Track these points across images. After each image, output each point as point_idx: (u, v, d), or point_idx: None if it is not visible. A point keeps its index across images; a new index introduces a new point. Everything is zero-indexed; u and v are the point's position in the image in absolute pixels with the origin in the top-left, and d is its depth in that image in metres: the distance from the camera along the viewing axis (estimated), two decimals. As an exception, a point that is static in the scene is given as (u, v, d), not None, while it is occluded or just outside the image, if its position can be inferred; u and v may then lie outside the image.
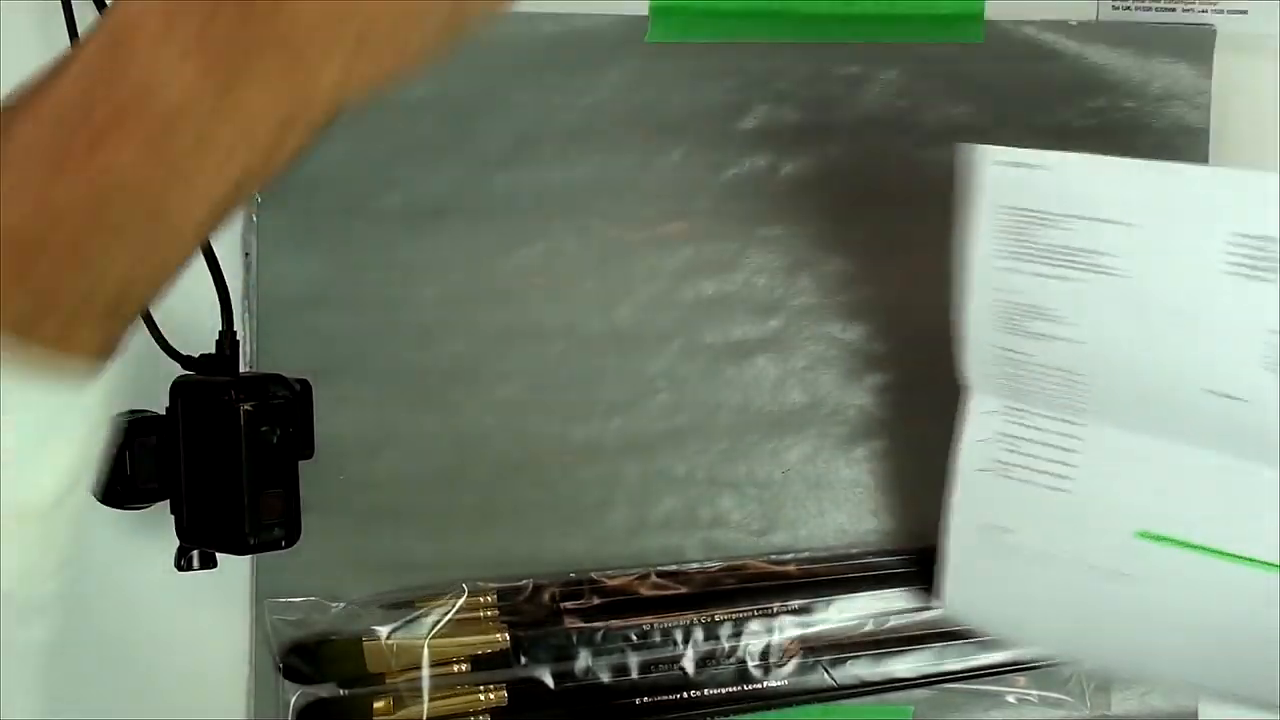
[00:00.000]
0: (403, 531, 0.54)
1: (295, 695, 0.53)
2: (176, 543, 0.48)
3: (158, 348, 0.48)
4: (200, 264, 0.48)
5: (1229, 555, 0.48)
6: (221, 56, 0.30)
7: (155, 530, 0.50)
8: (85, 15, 0.51)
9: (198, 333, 0.48)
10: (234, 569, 0.53)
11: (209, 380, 0.47)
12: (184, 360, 0.48)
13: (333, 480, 0.53)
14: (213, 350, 0.48)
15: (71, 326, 0.32)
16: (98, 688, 0.54)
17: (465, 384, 0.54)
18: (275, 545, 0.47)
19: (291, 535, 0.48)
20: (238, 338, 0.48)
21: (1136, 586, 0.49)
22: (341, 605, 0.53)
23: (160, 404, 0.48)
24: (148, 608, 0.54)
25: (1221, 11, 0.54)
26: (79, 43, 0.31)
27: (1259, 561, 0.48)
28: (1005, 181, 0.44)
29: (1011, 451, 0.50)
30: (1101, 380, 0.47)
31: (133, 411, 0.49)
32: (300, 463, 0.49)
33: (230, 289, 0.48)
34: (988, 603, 0.52)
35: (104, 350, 0.33)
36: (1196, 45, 0.54)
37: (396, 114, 0.54)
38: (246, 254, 0.54)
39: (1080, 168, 0.44)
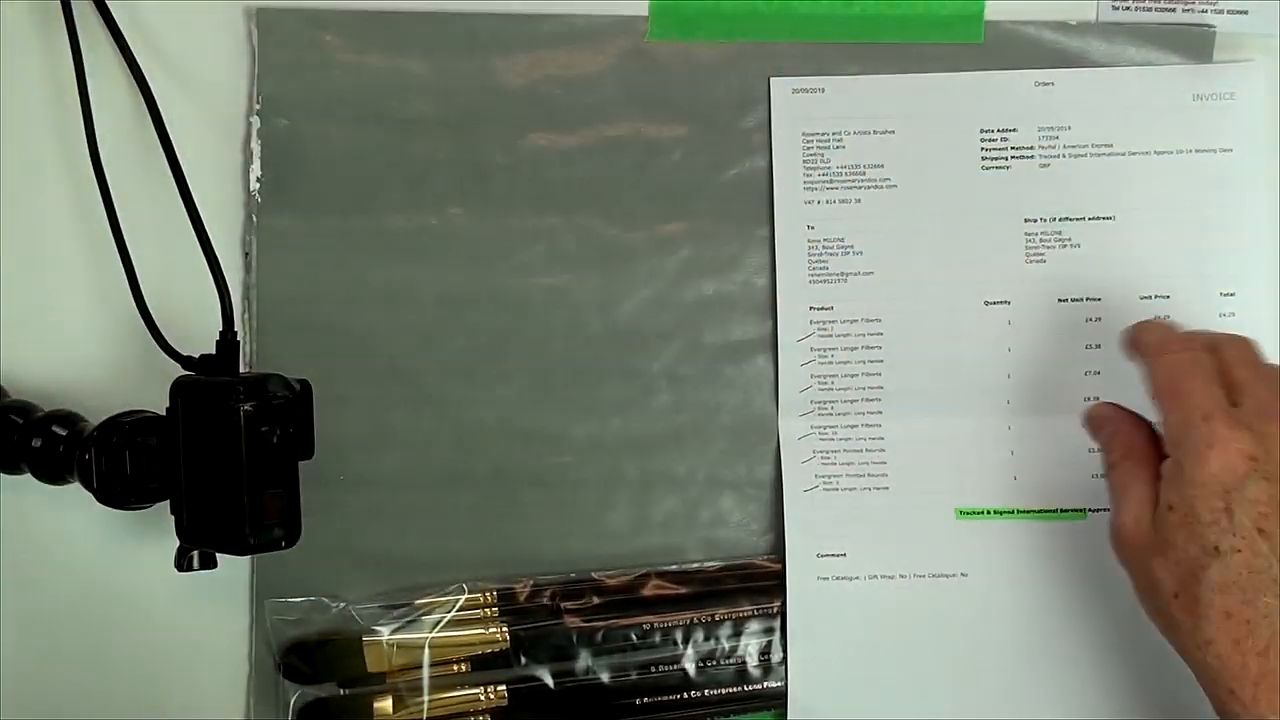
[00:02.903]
0: (403, 531, 0.54)
1: (295, 695, 0.53)
2: (176, 543, 0.48)
3: (158, 348, 0.48)
4: (200, 264, 0.48)
5: (1036, 514, 0.53)
6: None
7: (155, 530, 0.50)
8: (85, 15, 0.51)
9: (198, 333, 0.48)
10: (234, 569, 0.53)
11: (209, 380, 0.47)
12: (184, 360, 0.48)
13: (333, 480, 0.53)
14: (213, 350, 0.48)
15: None
16: (98, 688, 0.54)
17: (465, 384, 0.54)
18: (275, 545, 0.47)
19: (291, 535, 0.48)
20: (238, 338, 0.48)
21: (970, 583, 0.52)
22: (341, 605, 0.53)
23: (160, 404, 0.48)
24: (148, 608, 0.54)
25: (1221, 11, 0.54)
26: None
27: (1064, 512, 0.53)
28: (799, 107, 0.53)
29: (829, 464, 0.53)
30: (896, 326, 0.53)
31: (133, 411, 0.49)
32: (300, 463, 0.48)
33: (230, 289, 0.48)
34: (831, 652, 0.53)
35: None
36: (1196, 45, 0.54)
37: (397, 115, 0.54)
38: (246, 254, 0.54)
39: (847, 87, 0.53)
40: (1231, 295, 0.53)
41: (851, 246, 0.53)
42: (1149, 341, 0.47)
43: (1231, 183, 0.53)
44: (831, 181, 0.53)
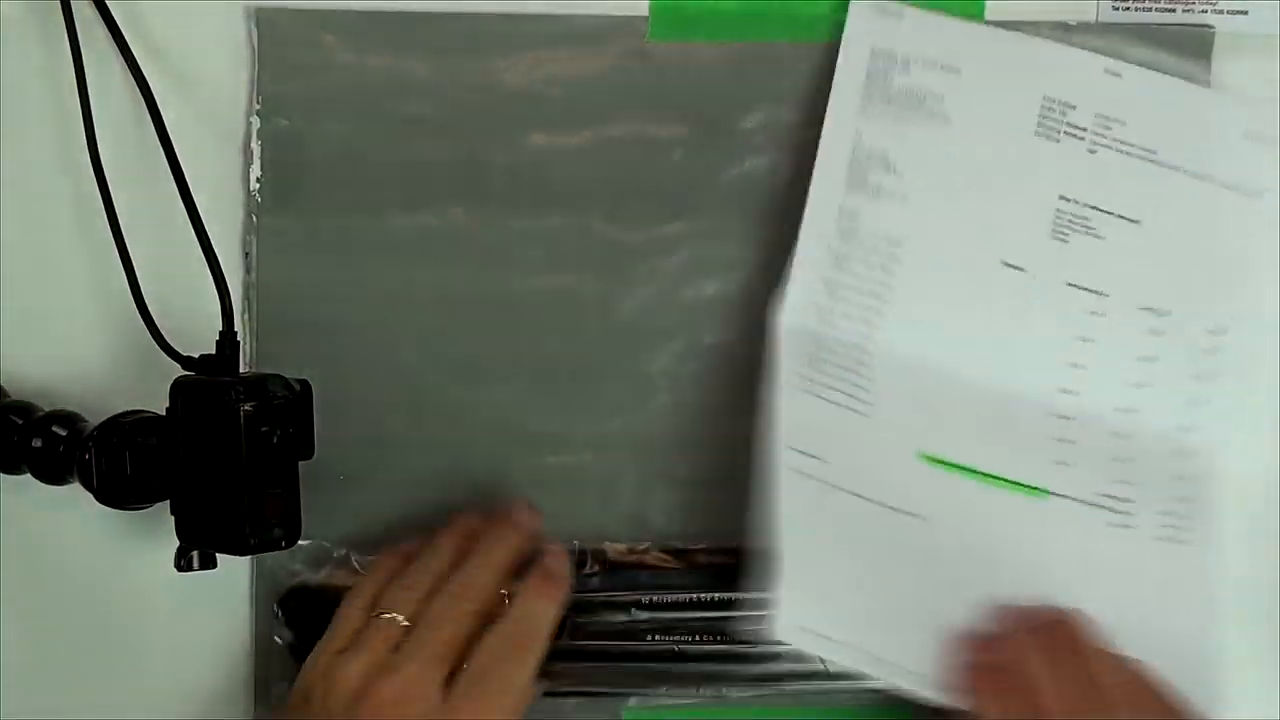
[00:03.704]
0: (403, 531, 0.54)
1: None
2: (176, 543, 0.48)
3: (158, 348, 0.48)
4: (200, 264, 0.48)
5: (1000, 480, 0.53)
6: None
7: (155, 530, 0.50)
8: (85, 15, 0.52)
9: (198, 333, 0.48)
10: (234, 569, 0.53)
11: (209, 380, 0.47)
12: (184, 360, 0.48)
13: (333, 480, 0.53)
14: (213, 350, 0.48)
15: None
16: (98, 688, 0.54)
17: (465, 384, 0.54)
18: (275, 545, 0.47)
19: (291, 535, 0.48)
20: (238, 338, 0.48)
21: (928, 528, 0.53)
22: (343, 552, 0.53)
23: (160, 404, 0.48)
24: (148, 608, 0.54)
25: (1221, 11, 0.54)
26: None
27: (1026, 486, 0.53)
28: (873, 28, 0.53)
29: (816, 369, 0.53)
30: (914, 255, 0.53)
31: (133, 411, 0.49)
32: (300, 463, 0.49)
33: (230, 289, 0.48)
34: (802, 556, 0.53)
35: None
36: (1196, 45, 0.54)
37: (397, 115, 0.54)
38: (246, 254, 0.54)
39: (923, 20, 0.53)
40: (1223, 334, 0.53)
41: (893, 165, 0.53)
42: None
43: (1259, 227, 0.53)
44: (890, 99, 0.53)
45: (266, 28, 0.53)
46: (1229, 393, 0.54)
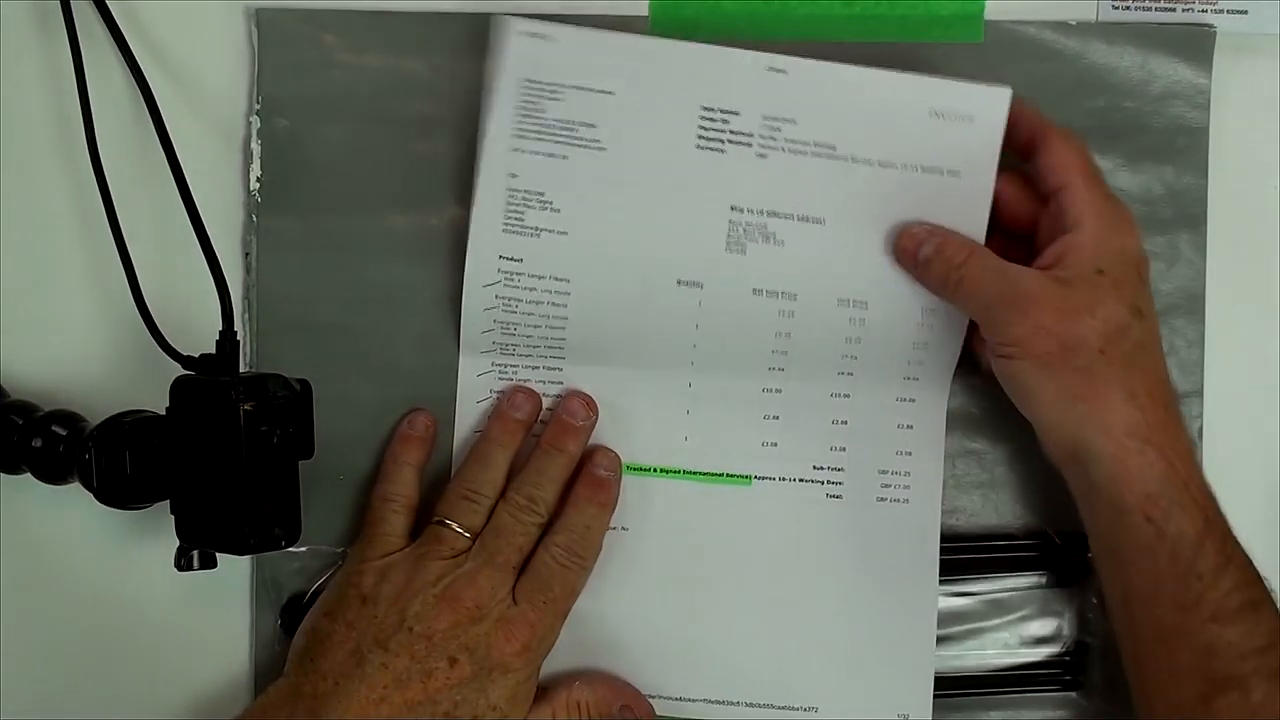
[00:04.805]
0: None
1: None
2: (176, 543, 0.48)
3: (158, 348, 0.48)
4: (200, 264, 0.48)
5: (703, 476, 0.53)
6: None
7: (155, 530, 0.50)
8: (85, 15, 0.52)
9: (198, 333, 0.48)
10: (234, 569, 0.53)
11: (209, 380, 0.47)
12: (184, 360, 0.48)
13: (333, 480, 0.53)
14: (213, 350, 0.48)
15: None
16: (98, 687, 0.54)
17: (465, 384, 0.54)
18: (275, 545, 0.47)
19: (291, 535, 0.48)
20: (238, 338, 0.48)
21: (629, 537, 0.53)
22: (340, 550, 0.53)
23: (160, 404, 0.48)
24: (148, 608, 0.54)
25: (1221, 11, 0.54)
26: None
27: (731, 477, 0.53)
28: (525, 53, 0.50)
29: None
30: (584, 288, 0.52)
31: (133, 411, 0.49)
32: (300, 463, 0.49)
33: (230, 289, 0.48)
34: None
35: None
36: (1196, 45, 0.54)
37: (397, 115, 0.54)
38: (246, 254, 0.54)
39: (577, 39, 0.50)
40: (932, 310, 0.52)
41: (550, 203, 0.51)
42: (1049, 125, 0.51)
43: (951, 206, 0.51)
44: (542, 134, 0.51)
45: (266, 28, 0.53)
46: (945, 351, 0.53)
